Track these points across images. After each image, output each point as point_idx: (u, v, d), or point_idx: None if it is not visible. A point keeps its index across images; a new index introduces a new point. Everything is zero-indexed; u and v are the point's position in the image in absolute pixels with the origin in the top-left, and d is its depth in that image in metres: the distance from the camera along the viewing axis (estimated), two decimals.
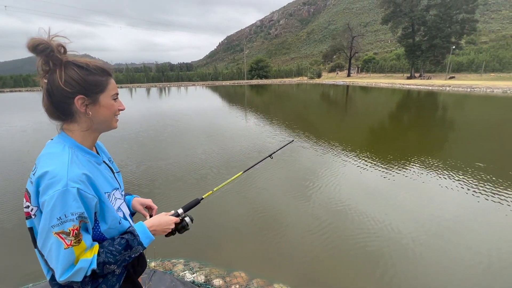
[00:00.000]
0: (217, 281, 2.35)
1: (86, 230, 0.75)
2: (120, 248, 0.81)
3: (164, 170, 5.45)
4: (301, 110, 15.61)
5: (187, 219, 1.01)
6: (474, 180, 4.63)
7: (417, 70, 43.94)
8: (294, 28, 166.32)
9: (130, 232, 0.86)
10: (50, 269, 0.76)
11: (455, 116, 12.53)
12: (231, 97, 25.14)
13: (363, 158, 5.99)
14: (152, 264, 2.53)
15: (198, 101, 21.87)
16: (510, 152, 6.48)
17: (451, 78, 37.24)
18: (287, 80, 56.58)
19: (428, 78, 39.46)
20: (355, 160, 5.82)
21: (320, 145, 7.17)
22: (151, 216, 1.13)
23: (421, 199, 4.08)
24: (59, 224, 0.68)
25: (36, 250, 0.78)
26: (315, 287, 2.50)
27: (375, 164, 5.55)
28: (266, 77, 62.54)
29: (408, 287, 2.45)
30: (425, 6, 38.98)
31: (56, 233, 0.68)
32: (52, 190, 0.69)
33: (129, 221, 0.95)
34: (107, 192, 0.84)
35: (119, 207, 0.89)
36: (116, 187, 0.90)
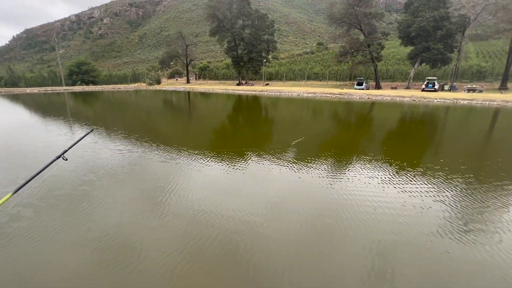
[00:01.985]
0: None
1: None
2: None
3: None
4: (145, 118, 14.59)
5: None
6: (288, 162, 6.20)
7: (243, 77, 52.41)
8: (123, 30, 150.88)
9: None
10: None
11: (272, 113, 16.13)
12: (47, 109, 19.44)
13: (208, 156, 6.49)
14: None
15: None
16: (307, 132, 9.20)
17: (266, 84, 47.45)
18: (122, 87, 50.80)
19: (251, 85, 48.11)
20: (201, 160, 6.20)
21: (169, 152, 7.04)
22: None
23: (259, 185, 4.97)
24: None
25: None
26: None
27: (217, 161, 6.16)
28: (94, 83, 53.22)
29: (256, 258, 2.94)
30: (241, 25, 47.03)
31: None
32: None
33: None
34: None
35: None
36: None
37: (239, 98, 27.62)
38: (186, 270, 2.71)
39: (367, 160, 6.16)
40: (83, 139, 1.24)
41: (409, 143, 8.34)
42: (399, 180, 4.97)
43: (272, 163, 5.96)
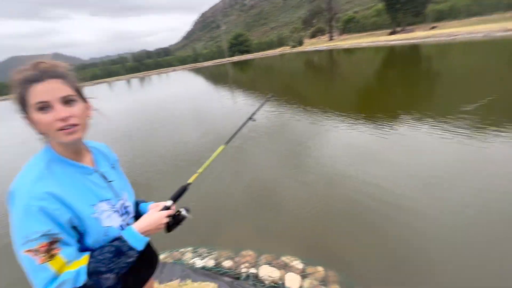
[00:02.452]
0: (227, 263, 2.44)
1: (66, 244, 0.73)
2: (110, 255, 0.79)
3: (150, 162, 5.41)
4: (291, 82, 15.39)
5: (183, 212, 0.98)
6: (458, 127, 4.75)
7: (399, 24, 43.13)
8: None
9: (118, 238, 0.83)
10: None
11: (437, 67, 12.55)
12: (216, 78, 24.50)
13: (353, 120, 6.03)
14: (161, 256, 2.60)
15: (182, 88, 21.29)
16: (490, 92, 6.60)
17: (433, 28, 36.80)
18: (269, 52, 55.14)
19: (410, 31, 38.89)
20: (345, 123, 5.86)
21: (310, 112, 7.16)
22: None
23: (411, 155, 4.19)
24: (25, 243, 0.68)
25: None
26: (320, 253, 2.62)
27: (364, 125, 5.61)
28: (248, 52, 60.78)
29: (406, 244, 2.59)
30: None
31: (26, 251, 0.68)
32: (14, 209, 0.70)
33: (120, 232, 0.89)
34: (93, 205, 0.81)
35: (108, 219, 0.84)
36: (104, 198, 0.86)
37: (391, 50, 23.19)
38: (315, 226, 2.78)
39: None
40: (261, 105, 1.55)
41: None
42: None
43: (433, 130, 4.77)
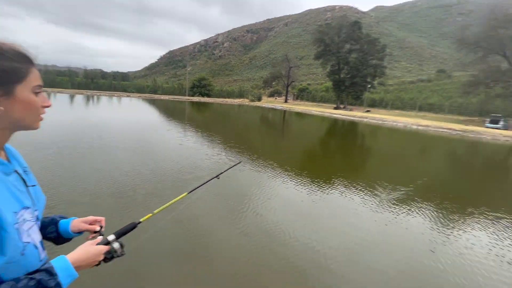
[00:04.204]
0: None
1: None
2: None
3: (96, 188, 4.66)
4: (244, 130, 15.92)
5: (115, 245, 0.85)
6: (382, 200, 5.34)
7: (342, 102, 50.49)
8: (237, 52, 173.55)
9: (45, 270, 0.64)
10: None
11: (371, 143, 14.62)
12: (171, 113, 24.04)
13: (297, 179, 6.32)
14: None
15: (134, 113, 20.18)
16: (412, 174, 7.80)
17: (367, 111, 43.97)
18: (229, 100, 57.65)
19: (350, 110, 45.63)
20: (289, 181, 6.09)
21: (261, 166, 7.30)
22: (101, 227, 0.94)
23: (342, 219, 4.45)
24: None
25: None
26: None
27: (306, 185, 5.90)
28: (208, 95, 62.52)
29: None
30: (348, 49, 45.92)
31: None
32: None
33: (38, 252, 0.71)
34: (15, 212, 0.64)
35: (27, 232, 0.66)
36: (26, 205, 0.69)
37: (335, 122, 26.53)
38: (251, 279, 2.58)
39: (489, 219, 4.60)
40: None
41: None
42: None
43: (364, 199, 5.25)
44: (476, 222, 4.58)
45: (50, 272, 0.65)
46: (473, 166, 10.81)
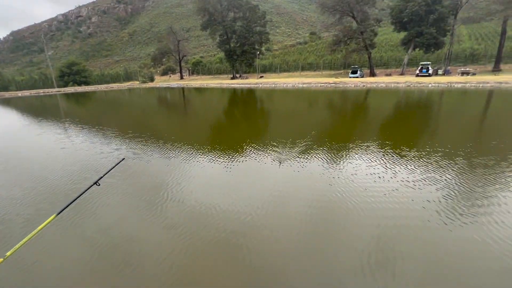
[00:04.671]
0: None
1: None
2: None
3: None
4: (142, 116, 14.46)
5: None
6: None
7: (237, 71, 51.96)
8: (112, 28, 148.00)
9: None
10: None
11: (268, 106, 16.06)
12: (42, 111, 19.17)
13: (208, 154, 6.47)
14: None
15: None
16: (305, 127, 9.18)
17: (261, 77, 47.13)
18: (115, 86, 50.17)
19: (246, 78, 47.74)
20: (201, 158, 6.18)
21: (170, 150, 7.00)
22: None
23: (257, 179, 4.98)
24: None
25: None
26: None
27: (214, 156, 6.15)
28: (86, 83, 52.49)
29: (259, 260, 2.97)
30: (232, 17, 46.33)
31: None
32: None
33: None
34: None
35: None
36: None
37: (234, 92, 27.40)
38: (185, 269, 2.73)
39: (364, 148, 6.19)
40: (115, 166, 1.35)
41: (405, 129, 8.38)
42: (399, 167, 5.01)
43: (269, 157, 5.95)
44: (356, 153, 5.97)
45: None
46: (343, 110, 13.57)
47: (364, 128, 8.98)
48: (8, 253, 0.87)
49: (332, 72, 45.20)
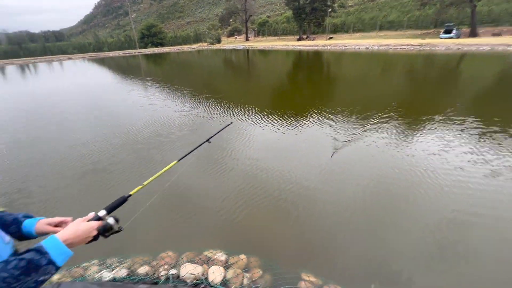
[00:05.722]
0: (142, 269, 2.21)
1: None
2: (16, 274, 0.62)
3: (75, 165, 4.46)
4: (211, 78, 15.16)
5: (110, 220, 0.87)
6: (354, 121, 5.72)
7: (304, 32, 48.50)
8: None
9: (35, 250, 0.67)
10: None
11: (337, 71, 14.80)
12: (128, 70, 21.86)
13: (273, 118, 6.45)
14: (55, 277, 2.14)
15: (85, 78, 18.10)
16: (374, 96, 8.24)
17: (330, 38, 43.03)
18: (186, 47, 52.97)
19: (313, 39, 44.35)
20: (260, 120, 6.21)
21: (229, 111, 7.25)
22: None
23: (314, 150, 4.79)
24: None
25: None
26: (243, 243, 2.68)
27: (275, 120, 6.08)
28: (162, 45, 56.72)
29: (318, 229, 2.93)
30: None
31: None
32: None
33: (1, 235, 0.76)
34: None
35: None
36: None
37: (299, 54, 25.93)
38: (238, 220, 2.89)
39: (437, 124, 5.24)
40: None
41: (496, 105, 6.71)
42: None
43: (332, 125, 5.59)
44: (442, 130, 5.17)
45: (40, 251, 0.68)
46: (426, 79, 11.56)
47: (440, 101, 7.53)
48: (145, 182, 1.08)
49: (419, 32, 38.05)
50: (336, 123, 5.74)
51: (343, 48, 28.79)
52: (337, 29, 49.22)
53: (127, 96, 10.21)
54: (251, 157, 4.42)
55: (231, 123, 1.73)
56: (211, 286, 2.00)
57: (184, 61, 27.19)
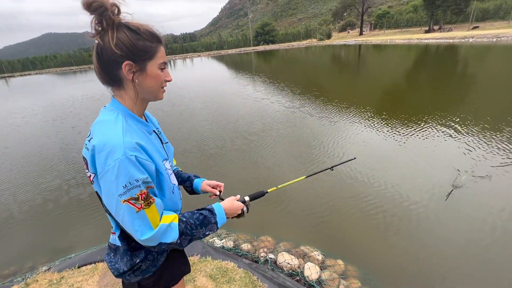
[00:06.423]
0: (245, 246, 2.46)
1: (155, 195, 0.77)
2: (197, 223, 0.82)
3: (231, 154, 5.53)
4: (311, 75, 15.04)
5: (244, 208, 1.03)
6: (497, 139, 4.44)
7: (436, 22, 40.56)
8: None
9: (209, 209, 0.88)
10: (118, 226, 0.82)
11: (475, 70, 11.70)
12: (238, 66, 24.36)
13: (376, 120, 5.82)
14: None
15: (211, 73, 21.42)
16: None
17: (474, 28, 34.27)
18: (295, 44, 53.93)
19: (448, 30, 36.52)
20: (371, 126, 5.67)
21: (327, 111, 6.98)
22: (220, 192, 1.17)
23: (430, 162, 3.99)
24: (126, 192, 0.69)
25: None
26: (340, 247, 2.58)
27: (388, 128, 5.39)
28: (273, 42, 59.84)
29: (426, 249, 2.49)
30: None
31: (125, 200, 0.69)
32: (111, 160, 0.68)
33: (180, 192, 0.97)
34: (163, 160, 0.84)
35: (171, 176, 0.88)
36: (165, 157, 0.88)
37: (425, 49, 21.86)
38: (338, 224, 2.73)
39: None
40: None
41: None
42: None
43: (460, 147, 4.49)
44: None
45: (212, 212, 0.87)
46: None
47: None
48: (280, 186, 1.26)
49: None
50: (469, 146, 4.54)
51: (494, 40, 22.44)
52: (486, 16, 38.72)
53: (240, 90, 11.41)
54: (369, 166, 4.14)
55: (355, 158, 1.65)
56: (306, 282, 2.02)
57: (292, 58, 27.80)
